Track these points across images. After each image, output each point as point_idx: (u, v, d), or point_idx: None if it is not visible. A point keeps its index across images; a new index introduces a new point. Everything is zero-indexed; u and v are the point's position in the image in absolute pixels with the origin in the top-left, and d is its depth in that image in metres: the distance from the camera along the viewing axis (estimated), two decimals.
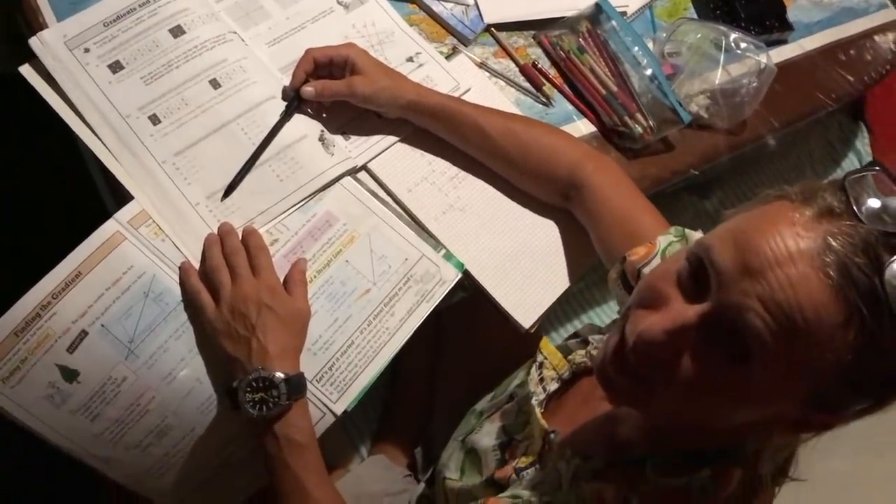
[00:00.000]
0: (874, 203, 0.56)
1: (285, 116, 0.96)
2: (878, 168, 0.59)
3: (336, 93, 0.96)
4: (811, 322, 0.53)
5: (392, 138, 1.02)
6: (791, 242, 0.55)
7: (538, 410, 0.86)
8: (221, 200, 0.91)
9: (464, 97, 1.07)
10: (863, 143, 1.77)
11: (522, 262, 1.03)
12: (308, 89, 0.96)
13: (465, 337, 1.23)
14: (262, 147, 0.93)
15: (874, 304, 0.53)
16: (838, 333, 0.53)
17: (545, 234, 1.05)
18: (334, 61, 0.97)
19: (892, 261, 0.53)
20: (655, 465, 0.70)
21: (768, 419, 0.62)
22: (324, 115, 1.00)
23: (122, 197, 0.90)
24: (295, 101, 0.97)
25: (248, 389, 0.81)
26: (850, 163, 1.78)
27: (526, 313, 1.01)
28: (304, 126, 0.97)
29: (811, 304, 0.53)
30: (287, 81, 1.00)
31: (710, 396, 0.61)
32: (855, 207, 0.56)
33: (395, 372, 1.28)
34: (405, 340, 0.93)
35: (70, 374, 0.83)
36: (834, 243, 0.54)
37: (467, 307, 1.04)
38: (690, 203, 1.56)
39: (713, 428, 0.67)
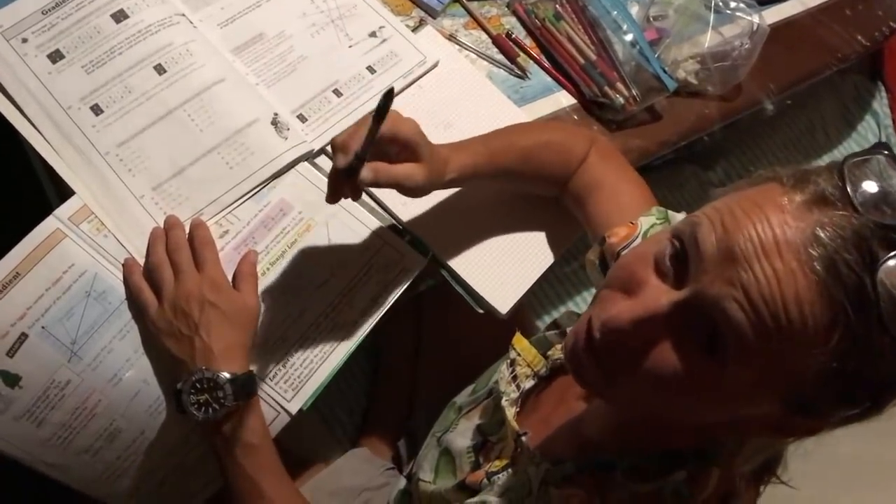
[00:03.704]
0: (872, 190, 0.50)
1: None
2: (885, 152, 0.52)
3: (393, 179, 0.79)
4: (794, 321, 0.48)
5: (352, 119, 0.96)
6: (779, 231, 0.50)
7: (510, 411, 0.81)
8: None
9: (435, 74, 1.03)
10: (881, 104, 1.67)
11: (498, 244, 0.97)
12: (367, 175, 0.75)
13: (446, 325, 1.18)
14: None
15: (861, 305, 0.47)
16: (821, 335, 0.48)
17: (520, 213, 0.99)
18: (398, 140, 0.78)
19: (887, 258, 0.47)
20: (625, 468, 0.65)
21: (747, 420, 0.57)
22: (277, 96, 0.94)
23: (65, 192, 0.86)
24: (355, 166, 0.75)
25: (192, 391, 0.77)
26: (867, 125, 1.68)
27: (503, 298, 0.96)
28: (254, 108, 0.92)
29: (795, 301, 0.48)
30: (240, 64, 0.95)
31: (679, 391, 0.56)
32: (851, 194, 0.50)
33: (377, 364, 1.24)
34: (366, 334, 0.88)
35: (11, 379, 0.80)
36: (823, 235, 0.49)
37: (445, 293, 0.99)
38: (693, 174, 1.48)
39: (685, 426, 0.63)
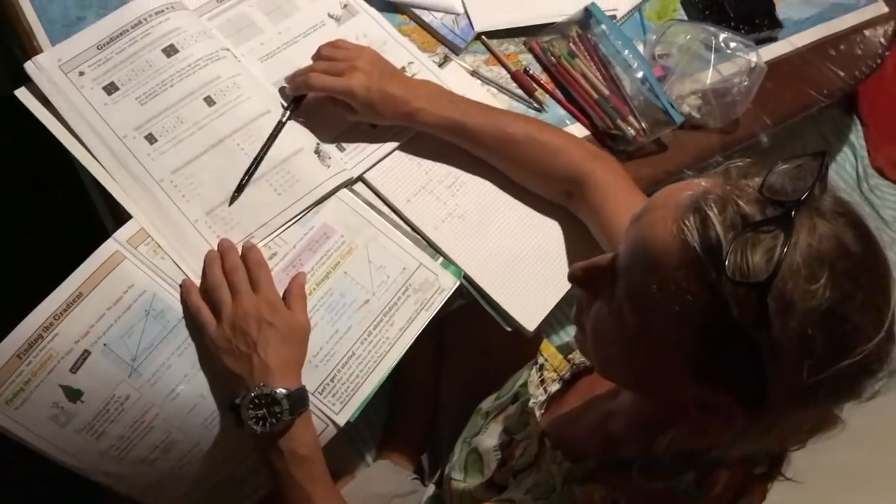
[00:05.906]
0: (777, 175, 0.57)
1: (286, 118, 0.98)
2: (816, 157, 0.60)
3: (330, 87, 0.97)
4: (657, 258, 0.57)
5: (387, 148, 1.02)
6: (674, 195, 0.59)
7: (537, 413, 0.87)
8: (229, 206, 0.93)
9: None
10: (857, 136, 1.78)
11: (524, 265, 1.03)
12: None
13: (466, 340, 1.24)
14: (265, 148, 0.95)
15: (710, 250, 0.54)
16: (680, 275, 0.55)
17: (545, 236, 1.05)
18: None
19: (759, 223, 0.54)
20: (641, 466, 0.70)
21: (670, 392, 0.63)
22: (318, 127, 1.00)
23: (120, 216, 0.91)
24: (292, 104, 0.99)
25: (251, 406, 0.82)
26: (845, 156, 1.78)
27: (530, 316, 1.01)
28: (299, 139, 0.98)
29: (662, 242, 0.57)
30: (281, 97, 1.01)
31: (608, 343, 0.66)
32: (757, 178, 0.57)
33: (398, 380, 1.28)
34: (405, 349, 0.94)
35: (74, 394, 0.84)
36: (700, 199, 0.56)
37: (468, 311, 1.05)
38: None
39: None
